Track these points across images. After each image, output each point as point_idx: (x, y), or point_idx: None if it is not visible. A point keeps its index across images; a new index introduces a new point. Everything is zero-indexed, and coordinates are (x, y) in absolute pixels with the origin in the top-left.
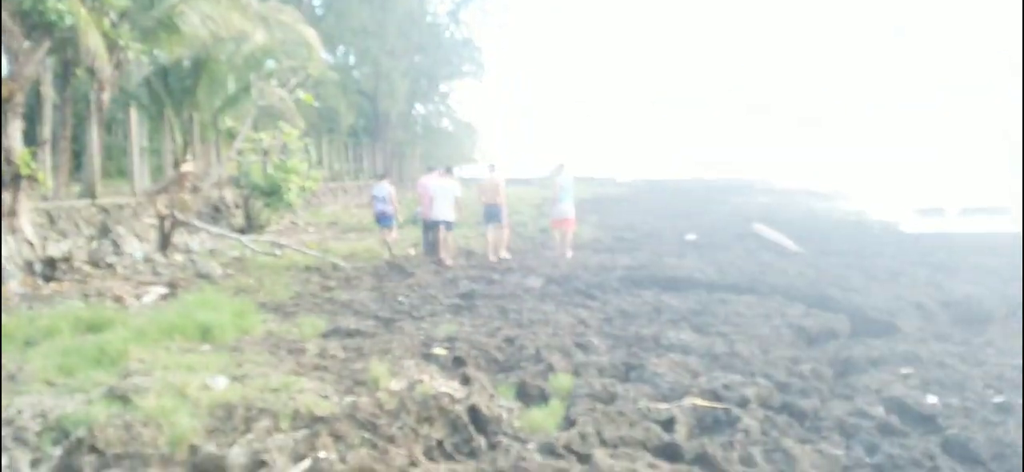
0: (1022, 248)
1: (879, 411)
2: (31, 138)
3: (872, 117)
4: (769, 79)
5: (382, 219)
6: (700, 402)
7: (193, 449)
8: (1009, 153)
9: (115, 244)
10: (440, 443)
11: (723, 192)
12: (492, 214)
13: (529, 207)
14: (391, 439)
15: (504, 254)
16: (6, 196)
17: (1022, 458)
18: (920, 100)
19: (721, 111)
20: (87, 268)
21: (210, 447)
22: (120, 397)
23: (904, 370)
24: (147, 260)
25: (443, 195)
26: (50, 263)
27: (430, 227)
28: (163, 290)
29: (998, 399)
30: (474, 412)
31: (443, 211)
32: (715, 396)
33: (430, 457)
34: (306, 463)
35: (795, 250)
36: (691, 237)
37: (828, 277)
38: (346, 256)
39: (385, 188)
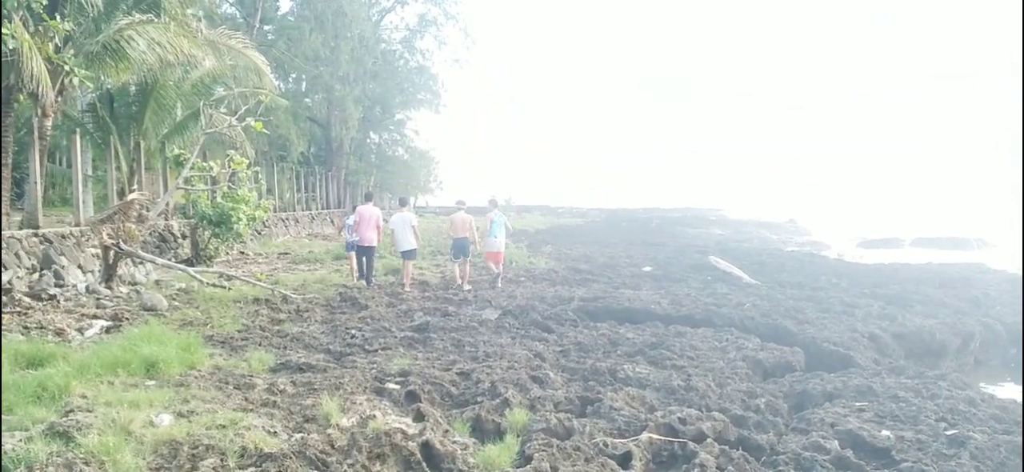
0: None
1: (834, 445)
2: None
3: (856, 103)
4: (753, 64)
5: (351, 248)
6: (656, 437)
7: None
8: (994, 143)
9: (57, 275)
10: None
11: (679, 223)
12: (461, 248)
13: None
14: None
15: (466, 285)
16: None
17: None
18: (904, 87)
19: (705, 97)
20: (27, 300)
21: None
22: (61, 434)
23: (859, 404)
24: (90, 292)
25: (404, 226)
26: None
27: (364, 254)
28: (107, 323)
29: (951, 432)
30: (428, 449)
31: (406, 241)
32: (671, 431)
33: None
34: None
35: (750, 282)
36: (647, 269)
37: (783, 309)
38: (297, 288)
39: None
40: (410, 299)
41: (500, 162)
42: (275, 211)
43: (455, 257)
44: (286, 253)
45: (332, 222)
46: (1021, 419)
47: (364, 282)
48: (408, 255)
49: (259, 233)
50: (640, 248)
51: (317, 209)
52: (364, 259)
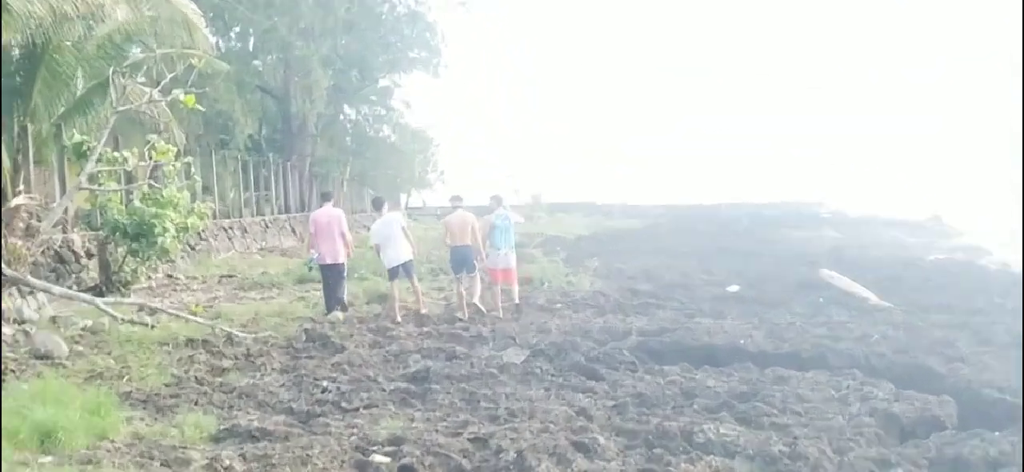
0: None
1: None
2: None
3: (875, 83)
4: (774, 45)
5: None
6: None
7: None
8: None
9: None
10: None
11: (776, 224)
12: (462, 260)
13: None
14: None
15: (477, 303)
16: None
17: None
18: (923, 66)
19: (725, 79)
20: None
21: None
22: None
23: None
24: None
25: (391, 231)
26: None
27: (327, 275)
28: None
29: None
30: None
31: (397, 251)
32: None
33: None
34: None
35: (878, 304)
36: (733, 289)
37: (926, 343)
38: (246, 323)
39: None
40: (403, 336)
41: (521, 147)
42: (215, 218)
43: (455, 272)
44: (231, 275)
45: (294, 232)
46: (1021, 419)
47: (338, 314)
48: (408, 270)
49: (193, 248)
50: (723, 259)
51: (273, 213)
52: (327, 282)
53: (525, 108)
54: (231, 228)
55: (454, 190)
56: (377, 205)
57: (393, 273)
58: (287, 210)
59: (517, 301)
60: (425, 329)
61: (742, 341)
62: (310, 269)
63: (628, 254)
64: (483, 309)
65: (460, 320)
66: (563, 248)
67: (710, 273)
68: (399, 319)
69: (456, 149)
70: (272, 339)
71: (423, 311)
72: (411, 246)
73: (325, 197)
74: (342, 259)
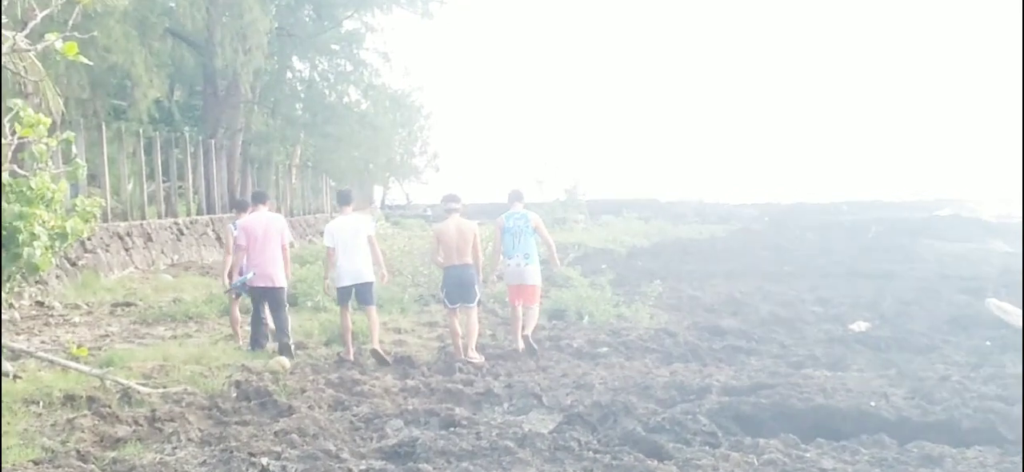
0: None
1: None
2: None
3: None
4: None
5: (238, 289)
6: None
7: None
8: None
9: None
10: None
11: (915, 232)
12: (460, 285)
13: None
14: None
15: (474, 356)
16: None
17: None
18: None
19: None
20: None
21: None
22: None
23: None
24: None
25: (351, 240)
26: None
27: (264, 300)
28: None
29: None
30: None
31: (355, 268)
32: None
33: None
34: None
35: None
36: (860, 326)
37: None
38: (151, 373)
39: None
40: (378, 393)
41: (551, 122)
42: (106, 219)
43: (451, 302)
44: (129, 303)
45: (219, 240)
46: (1021, 418)
47: (284, 362)
48: (363, 296)
49: (74, 264)
50: (844, 282)
51: (189, 214)
52: (264, 310)
53: (558, 66)
54: (129, 235)
55: (450, 183)
56: (343, 200)
57: (343, 294)
58: (210, 209)
59: (527, 332)
60: (410, 381)
61: (873, 403)
62: (237, 296)
63: (706, 275)
64: (480, 360)
65: (461, 369)
66: (611, 265)
67: (825, 303)
68: (351, 356)
69: (456, 123)
70: (188, 396)
71: (375, 346)
72: (377, 263)
73: (258, 199)
74: (282, 281)
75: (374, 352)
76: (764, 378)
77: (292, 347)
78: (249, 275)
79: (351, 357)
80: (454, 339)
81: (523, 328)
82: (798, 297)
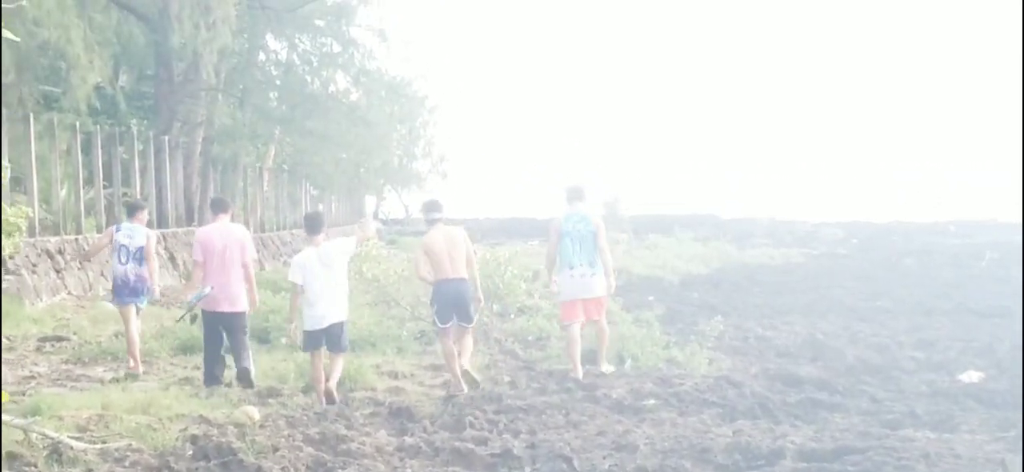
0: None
1: None
2: None
3: None
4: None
5: (128, 293)
6: None
7: None
8: None
9: None
10: None
11: None
12: (453, 300)
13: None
14: None
15: (468, 366)
16: None
17: None
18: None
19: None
20: None
21: None
22: None
23: None
24: None
25: (322, 272)
26: None
27: (222, 328)
28: None
29: None
30: None
31: (332, 306)
32: None
33: None
34: None
35: None
36: (972, 377)
37: None
38: (88, 424)
39: (139, 232)
40: (368, 452)
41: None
42: (33, 234)
43: (443, 320)
44: (61, 337)
45: (173, 260)
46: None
47: (253, 413)
48: (334, 340)
49: None
50: (950, 321)
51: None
52: (213, 339)
53: (595, 55)
54: (62, 253)
55: (460, 193)
56: (312, 227)
57: (313, 339)
58: (162, 222)
59: (600, 356)
60: (408, 439)
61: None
62: (193, 320)
63: (778, 311)
64: (476, 378)
65: (472, 424)
66: (660, 297)
67: (928, 347)
68: (325, 404)
69: (468, 120)
70: (133, 454)
71: (330, 384)
72: (345, 301)
73: (218, 207)
74: (243, 305)
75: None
76: (851, 440)
77: (252, 374)
78: (206, 290)
79: (325, 403)
80: (450, 364)
81: (599, 358)
82: (894, 339)
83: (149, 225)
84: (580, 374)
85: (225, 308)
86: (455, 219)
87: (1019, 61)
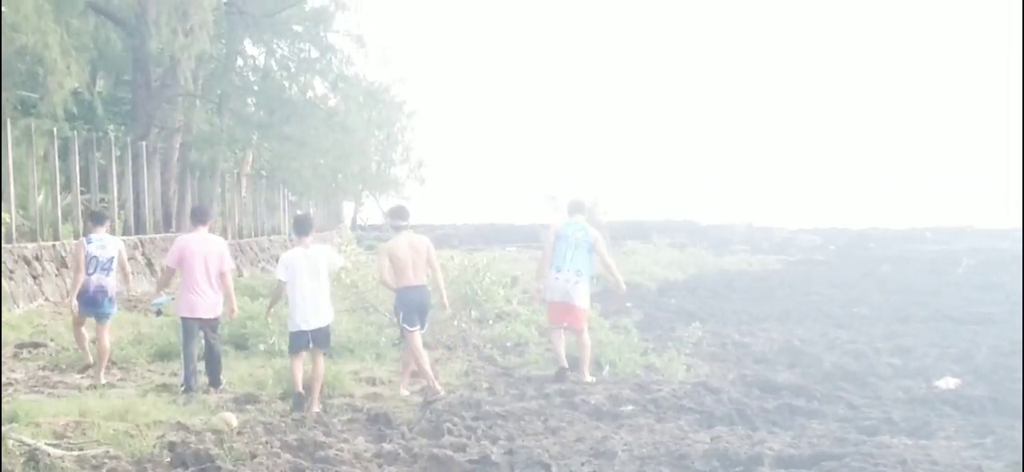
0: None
1: None
2: None
3: None
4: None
5: (87, 303)
6: None
7: None
8: None
9: None
10: None
11: (1016, 265)
12: (417, 306)
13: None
14: None
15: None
16: None
17: None
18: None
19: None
20: None
21: None
22: None
23: None
24: None
25: (304, 276)
26: None
27: (200, 331)
28: None
29: None
30: None
31: (316, 310)
32: None
33: None
34: None
35: None
36: (948, 383)
37: None
38: (65, 431)
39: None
40: (347, 458)
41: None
42: (10, 240)
43: (411, 324)
44: (37, 343)
45: (150, 266)
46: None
47: (231, 419)
48: (319, 340)
49: None
50: (927, 328)
51: (114, 233)
52: (191, 341)
53: (571, 61)
54: (38, 259)
55: (437, 199)
56: (301, 229)
57: (298, 340)
58: (139, 228)
59: (583, 365)
60: (386, 445)
61: None
62: (158, 314)
63: (756, 317)
64: (439, 390)
65: (450, 431)
66: (637, 303)
67: (905, 353)
68: (317, 409)
69: (446, 127)
70: (110, 461)
71: (315, 407)
72: (330, 309)
73: (198, 216)
74: (218, 313)
75: (309, 401)
76: (828, 447)
77: (221, 377)
78: (166, 299)
79: (318, 409)
80: (420, 363)
81: (585, 364)
82: (871, 346)
83: (126, 231)
84: (565, 363)
85: (202, 314)
86: (433, 225)
87: (999, 69)
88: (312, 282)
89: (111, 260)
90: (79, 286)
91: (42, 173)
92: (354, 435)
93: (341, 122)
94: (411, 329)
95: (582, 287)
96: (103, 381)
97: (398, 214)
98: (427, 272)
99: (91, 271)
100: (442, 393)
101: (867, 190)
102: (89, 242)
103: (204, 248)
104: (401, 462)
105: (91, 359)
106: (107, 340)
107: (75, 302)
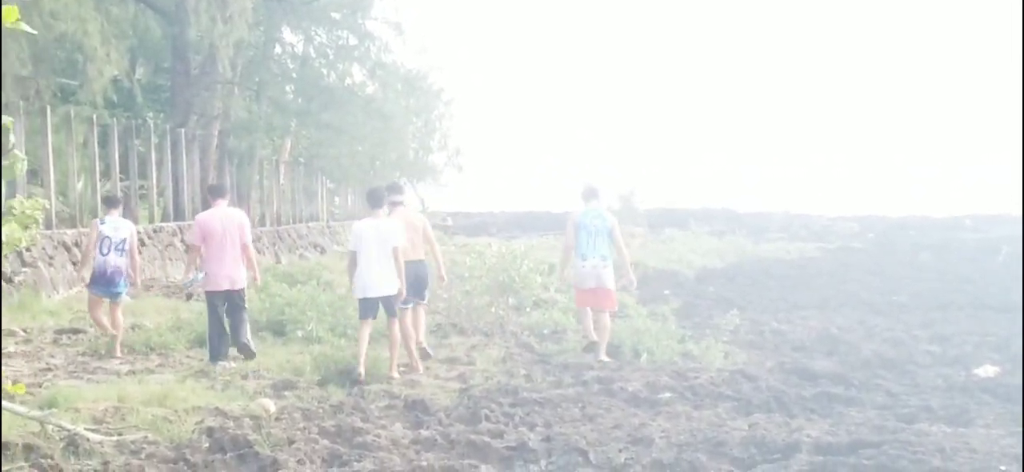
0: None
1: None
2: None
3: None
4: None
5: (104, 284)
6: None
7: None
8: None
9: None
10: None
11: None
12: (415, 280)
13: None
14: None
15: (425, 347)
16: None
17: None
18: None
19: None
20: None
21: None
22: None
23: None
24: None
25: (372, 245)
26: None
27: (223, 305)
28: None
29: None
30: None
31: (381, 278)
32: None
33: None
34: None
35: None
36: (988, 371)
37: None
38: (104, 416)
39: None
40: (384, 444)
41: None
42: (49, 226)
43: (404, 301)
44: (77, 329)
45: (185, 247)
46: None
47: (269, 405)
48: (389, 306)
49: (9, 280)
50: (966, 316)
51: (153, 220)
52: (216, 316)
53: (611, 49)
54: (78, 245)
55: (475, 187)
56: (374, 201)
57: (366, 307)
58: (178, 214)
59: (600, 347)
60: (424, 432)
61: (1003, 468)
62: (189, 297)
63: (794, 305)
64: (429, 353)
65: (487, 417)
66: (676, 291)
67: (943, 341)
68: (362, 376)
69: (483, 114)
70: (149, 446)
71: (394, 375)
72: (397, 279)
73: (216, 192)
74: (243, 283)
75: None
76: (866, 434)
77: (252, 347)
78: (200, 276)
79: (362, 376)
80: (407, 342)
81: (600, 340)
82: (909, 334)
83: (165, 217)
84: (594, 336)
85: (227, 287)
86: (470, 213)
87: None
88: (379, 251)
89: (124, 241)
90: (92, 266)
91: (82, 160)
92: (391, 421)
93: (379, 109)
94: (403, 306)
95: (610, 270)
96: (118, 354)
97: (394, 189)
98: (425, 247)
99: (106, 252)
100: (421, 369)
101: (906, 178)
102: (102, 223)
103: (224, 222)
104: (438, 448)
105: (113, 331)
106: (120, 317)
107: (88, 280)
